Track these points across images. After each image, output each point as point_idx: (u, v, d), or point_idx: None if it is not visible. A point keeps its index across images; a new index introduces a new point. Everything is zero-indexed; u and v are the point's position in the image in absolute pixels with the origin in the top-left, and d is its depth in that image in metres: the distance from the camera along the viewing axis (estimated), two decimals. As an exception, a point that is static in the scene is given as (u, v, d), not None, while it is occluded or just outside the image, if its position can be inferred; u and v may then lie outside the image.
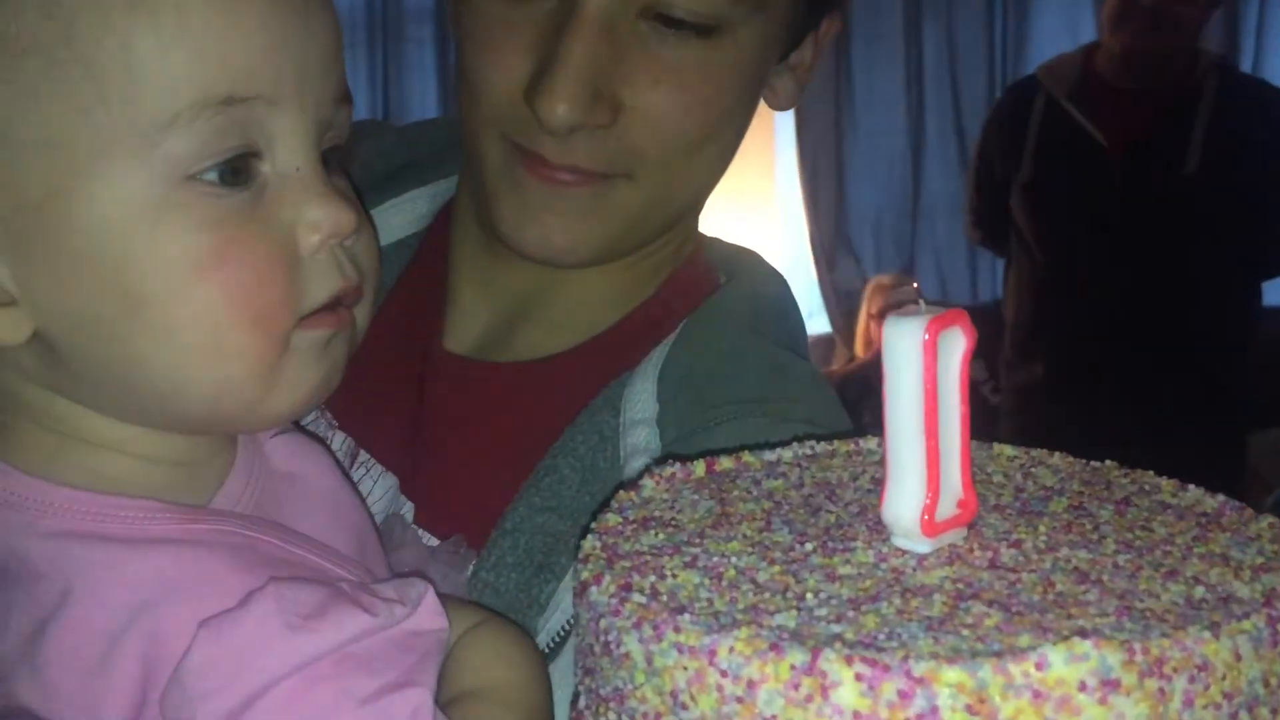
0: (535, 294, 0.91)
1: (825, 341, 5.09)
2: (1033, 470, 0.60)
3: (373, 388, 0.89)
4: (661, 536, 0.55)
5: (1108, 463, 0.61)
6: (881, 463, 0.52)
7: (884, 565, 0.52)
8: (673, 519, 0.56)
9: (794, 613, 0.47)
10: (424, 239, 0.97)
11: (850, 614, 0.47)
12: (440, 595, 0.66)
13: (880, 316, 4.52)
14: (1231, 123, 2.95)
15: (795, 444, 0.62)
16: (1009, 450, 0.62)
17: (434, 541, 0.85)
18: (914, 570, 0.51)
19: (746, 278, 0.94)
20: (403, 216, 0.98)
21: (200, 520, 0.64)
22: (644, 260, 0.91)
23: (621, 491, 0.59)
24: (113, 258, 0.61)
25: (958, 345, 0.51)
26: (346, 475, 0.77)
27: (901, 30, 5.15)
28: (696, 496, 0.58)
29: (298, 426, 0.77)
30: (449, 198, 0.98)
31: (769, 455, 0.61)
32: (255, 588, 0.60)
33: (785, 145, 5.20)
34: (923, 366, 0.50)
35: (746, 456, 0.61)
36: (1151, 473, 0.59)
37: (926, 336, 0.50)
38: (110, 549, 0.61)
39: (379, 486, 0.88)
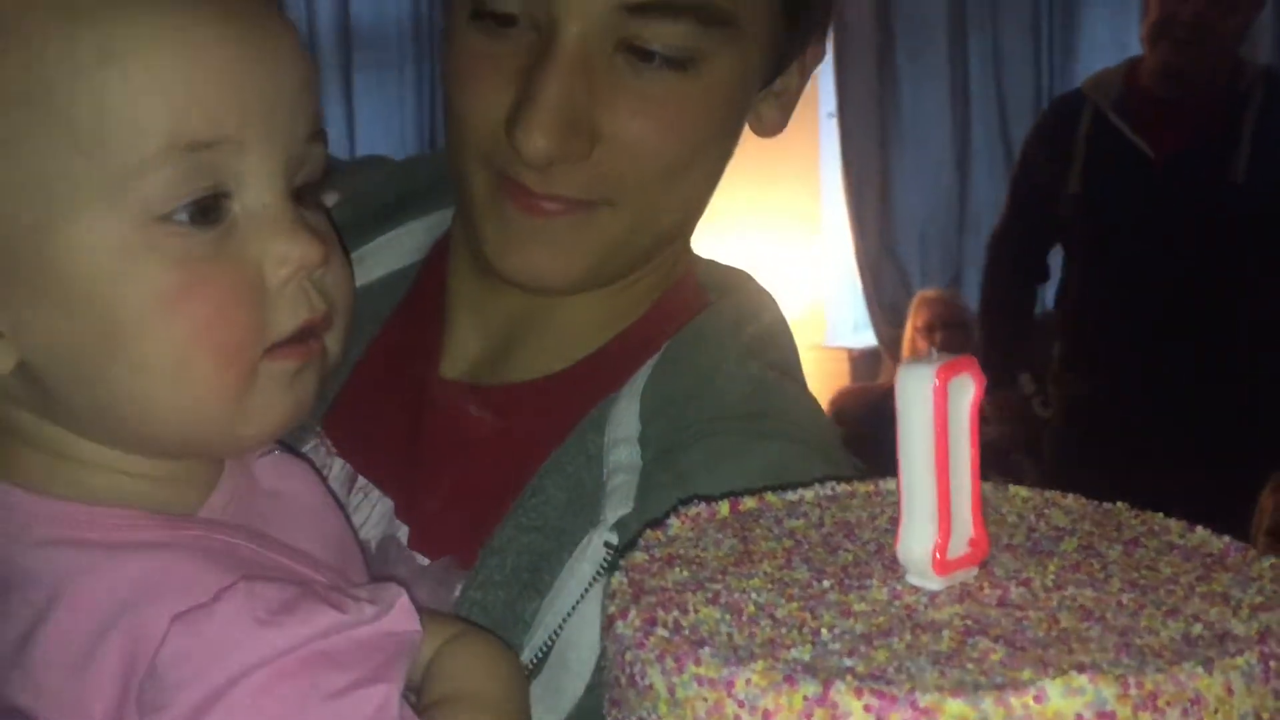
0: (526, 319, 0.94)
1: (871, 355, 5.08)
2: (1046, 511, 0.63)
3: (371, 416, 0.94)
4: (686, 573, 0.58)
5: (1119, 504, 0.63)
6: (898, 506, 0.54)
7: (897, 602, 0.54)
8: (697, 556, 0.59)
9: (809, 647, 0.50)
10: (421, 269, 1.01)
11: (862, 648, 0.50)
12: (423, 608, 0.69)
13: (927, 330, 4.51)
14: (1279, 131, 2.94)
15: (817, 485, 0.65)
16: (1023, 491, 0.64)
17: (426, 563, 0.88)
18: (926, 607, 0.54)
19: (732, 298, 0.96)
20: (400, 247, 1.02)
21: (180, 527, 0.68)
22: (633, 285, 0.93)
23: (649, 530, 0.62)
24: (89, 294, 0.65)
25: (967, 391, 0.54)
26: (332, 494, 0.82)
27: (947, 41, 5.14)
28: (720, 535, 0.61)
29: (288, 448, 0.81)
30: (446, 228, 1.02)
31: (791, 495, 0.64)
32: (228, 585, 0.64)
33: (830, 158, 5.21)
34: (933, 412, 0.52)
35: (769, 497, 0.64)
36: (1161, 515, 0.61)
37: (936, 383, 0.53)
38: (95, 554, 0.65)
39: (376, 512, 0.92)
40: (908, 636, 0.51)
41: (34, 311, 0.66)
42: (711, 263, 1.01)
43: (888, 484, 0.65)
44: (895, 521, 0.56)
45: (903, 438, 0.54)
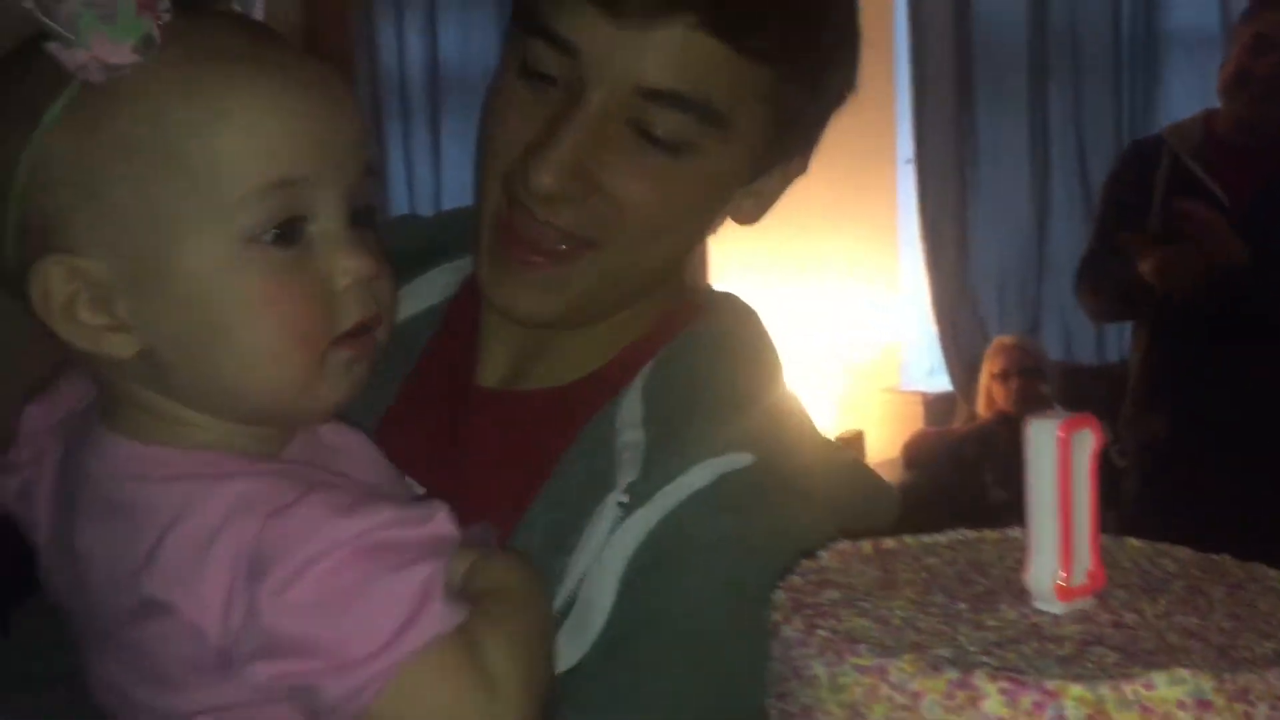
0: (544, 339, 1.12)
1: (946, 399, 5.11)
2: (1157, 559, 0.72)
3: (416, 427, 1.12)
4: (837, 594, 0.68)
5: (1225, 556, 0.72)
6: (1024, 544, 0.64)
7: (1024, 621, 0.64)
8: (846, 582, 0.70)
9: (950, 649, 0.61)
10: (457, 300, 1.19)
11: (995, 650, 0.60)
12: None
13: (1002, 377, 4.55)
14: None
15: (949, 531, 0.75)
16: (1136, 543, 0.74)
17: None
18: (1050, 625, 0.64)
19: (717, 311, 1.13)
20: (432, 286, 1.20)
21: (268, 462, 0.88)
22: (633, 317, 1.10)
23: (804, 560, 0.73)
24: (200, 298, 0.84)
25: (1088, 443, 0.64)
26: (379, 451, 1.01)
27: (1026, 89, 5.16)
28: (865, 567, 0.72)
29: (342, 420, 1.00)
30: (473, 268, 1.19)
31: (926, 539, 0.75)
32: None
33: (907, 203, 5.27)
34: (1058, 460, 0.63)
35: (907, 539, 0.75)
36: (1264, 565, 0.71)
37: (1061, 435, 0.63)
38: (204, 482, 0.84)
39: None
40: (1034, 644, 0.61)
41: (155, 311, 0.84)
42: (705, 287, 1.19)
43: (1013, 533, 0.74)
44: (1021, 562, 0.66)
45: (1031, 481, 0.64)
